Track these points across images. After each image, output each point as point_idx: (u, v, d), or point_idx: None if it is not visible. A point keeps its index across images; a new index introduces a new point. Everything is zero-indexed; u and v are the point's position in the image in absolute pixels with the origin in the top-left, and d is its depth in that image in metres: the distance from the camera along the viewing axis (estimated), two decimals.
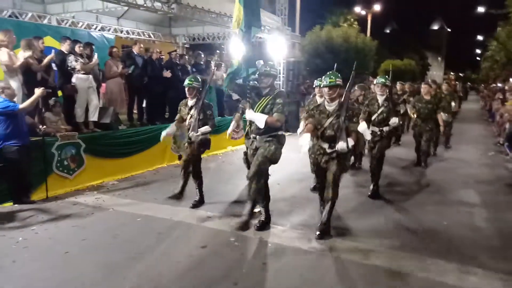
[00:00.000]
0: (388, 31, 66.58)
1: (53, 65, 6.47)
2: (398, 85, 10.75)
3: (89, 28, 9.81)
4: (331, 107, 4.19)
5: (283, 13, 11.89)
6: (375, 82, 5.82)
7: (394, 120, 5.45)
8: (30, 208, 5.01)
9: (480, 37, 44.86)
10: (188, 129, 4.95)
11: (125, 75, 7.72)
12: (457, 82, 28.84)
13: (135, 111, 8.22)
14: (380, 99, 5.63)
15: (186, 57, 9.69)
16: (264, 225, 4.40)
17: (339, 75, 4.15)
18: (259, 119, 4.02)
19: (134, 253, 3.78)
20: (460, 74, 78.41)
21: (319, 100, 5.32)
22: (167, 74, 8.01)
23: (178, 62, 8.51)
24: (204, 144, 5.06)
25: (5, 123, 4.93)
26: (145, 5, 7.71)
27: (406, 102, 9.41)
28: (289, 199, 5.52)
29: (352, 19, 32.77)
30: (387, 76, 5.78)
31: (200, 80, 5.07)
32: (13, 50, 5.80)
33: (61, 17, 8.92)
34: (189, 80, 4.96)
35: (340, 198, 4.29)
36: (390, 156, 8.14)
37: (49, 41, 7.37)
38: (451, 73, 77.20)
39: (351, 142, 4.03)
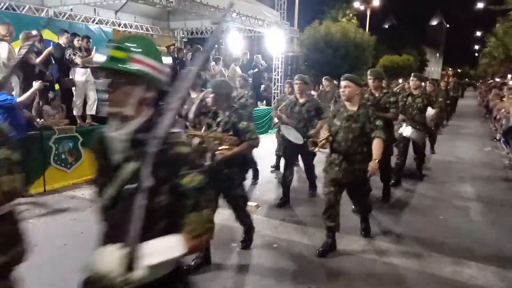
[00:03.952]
0: (386, 26, 66.56)
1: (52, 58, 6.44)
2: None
3: (86, 21, 9.73)
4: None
5: (282, 8, 11.82)
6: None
7: None
8: (27, 202, 5.00)
9: (478, 33, 44.95)
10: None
11: None
12: (449, 79, 28.62)
13: None
14: None
15: (184, 51, 9.66)
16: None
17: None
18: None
19: None
20: (458, 70, 78.62)
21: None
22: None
23: (176, 56, 8.48)
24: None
25: (3, 116, 4.89)
26: None
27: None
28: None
29: (351, 14, 32.74)
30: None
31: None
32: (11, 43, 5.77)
33: (59, 10, 8.85)
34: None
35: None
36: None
37: (46, 34, 7.33)
38: (449, 69, 77.44)
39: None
